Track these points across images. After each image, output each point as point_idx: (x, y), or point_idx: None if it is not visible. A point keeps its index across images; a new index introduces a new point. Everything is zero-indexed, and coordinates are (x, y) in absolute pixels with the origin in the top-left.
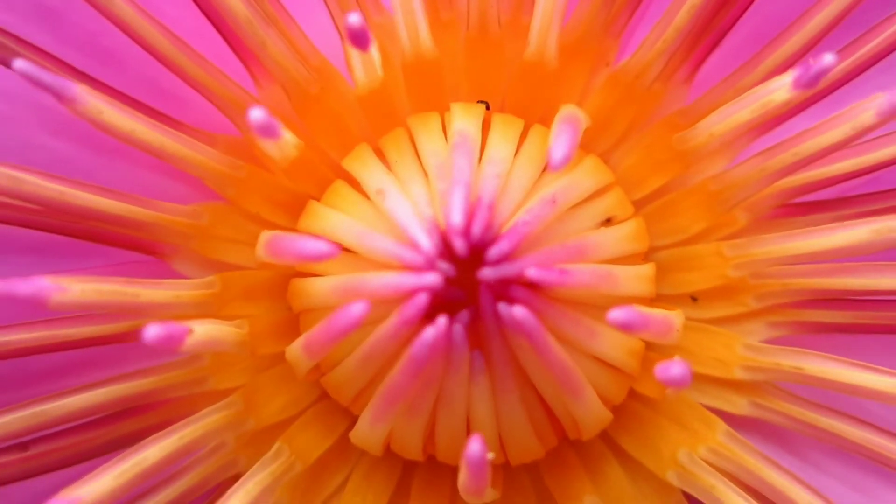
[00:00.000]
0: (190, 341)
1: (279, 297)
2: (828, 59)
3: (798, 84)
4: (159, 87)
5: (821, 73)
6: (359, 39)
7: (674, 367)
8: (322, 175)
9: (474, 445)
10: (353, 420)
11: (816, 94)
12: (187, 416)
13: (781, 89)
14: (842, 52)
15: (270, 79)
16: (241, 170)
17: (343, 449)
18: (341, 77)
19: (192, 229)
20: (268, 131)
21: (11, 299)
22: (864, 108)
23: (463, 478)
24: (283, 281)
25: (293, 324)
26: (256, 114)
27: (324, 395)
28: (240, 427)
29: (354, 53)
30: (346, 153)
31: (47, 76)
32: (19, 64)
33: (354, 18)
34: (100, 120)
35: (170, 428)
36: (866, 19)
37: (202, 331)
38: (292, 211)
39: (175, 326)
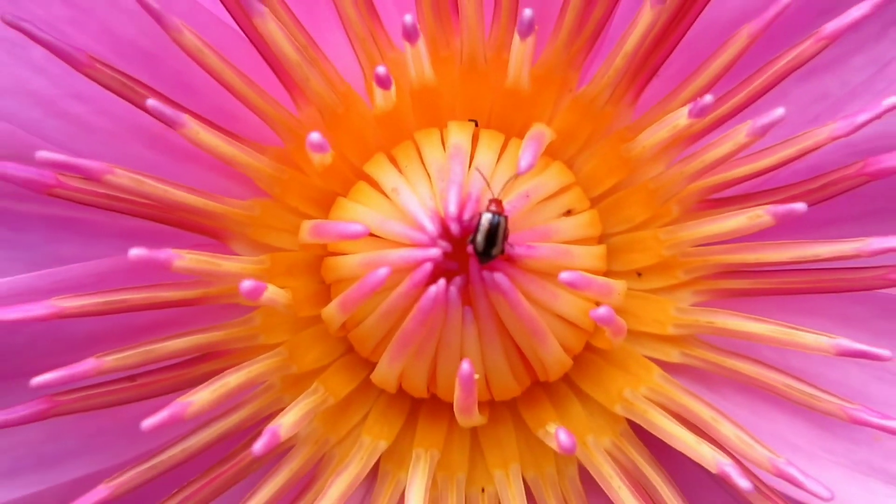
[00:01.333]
0: (266, 295)
1: (314, 272)
2: (708, 98)
3: (691, 114)
4: (223, 110)
5: (705, 107)
6: (383, 83)
7: (601, 309)
8: (347, 177)
9: (464, 366)
10: (372, 367)
11: (724, 115)
12: (245, 362)
13: (682, 117)
14: (739, 86)
15: (308, 103)
16: (285, 174)
17: (365, 390)
18: (362, 101)
19: (247, 219)
20: (321, 148)
21: (151, 263)
22: (740, 130)
23: (457, 396)
24: (316, 260)
25: (325, 294)
26: (315, 136)
27: (349, 349)
28: (284, 371)
29: (378, 90)
30: (366, 160)
31: (168, 110)
32: (151, 103)
33: (381, 70)
34: (196, 138)
35: (236, 367)
36: (759, 59)
37: (272, 289)
38: (323, 206)
39: (260, 283)
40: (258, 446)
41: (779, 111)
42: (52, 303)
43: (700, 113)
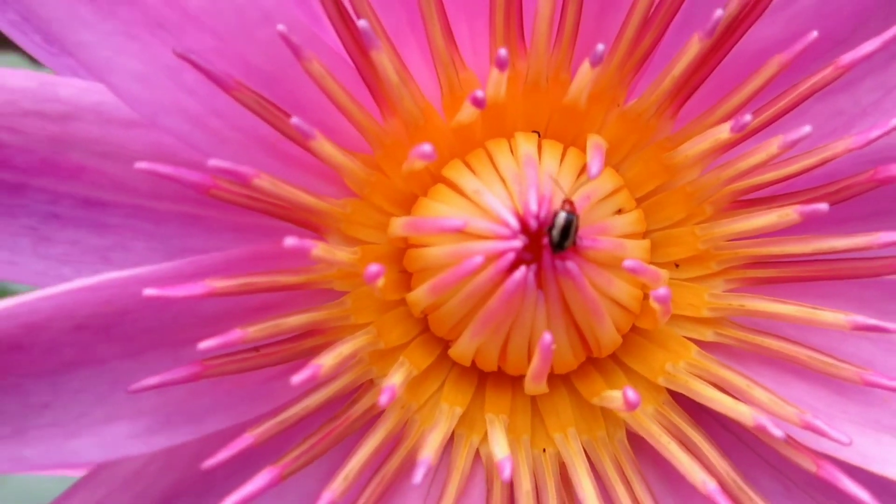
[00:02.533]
0: (381, 279)
1: (396, 262)
2: (747, 117)
3: (732, 130)
4: (325, 124)
5: (745, 124)
6: (479, 104)
7: (661, 290)
8: (425, 181)
9: (546, 338)
10: (446, 345)
11: (754, 129)
12: (341, 339)
13: (724, 132)
14: (770, 103)
15: (394, 115)
16: (373, 176)
17: (440, 363)
18: (438, 115)
19: (341, 216)
20: (430, 157)
21: (301, 251)
22: (772, 143)
23: (534, 363)
24: (398, 252)
25: (405, 281)
26: (427, 147)
27: (425, 329)
28: (373, 347)
29: (468, 108)
30: (443, 165)
31: (305, 125)
32: (295, 120)
33: (480, 94)
34: (320, 150)
35: (341, 341)
36: (789, 79)
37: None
38: (404, 205)
39: (381, 267)
40: (384, 399)
41: (806, 128)
42: (206, 283)
43: (740, 129)
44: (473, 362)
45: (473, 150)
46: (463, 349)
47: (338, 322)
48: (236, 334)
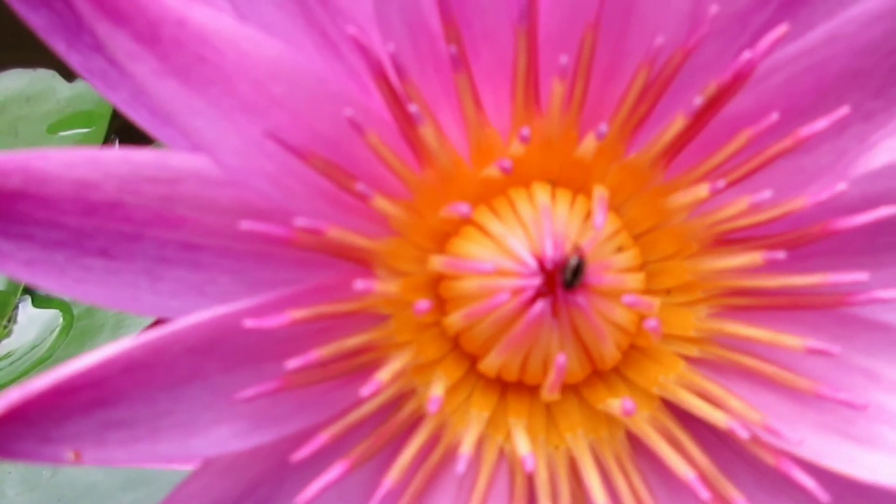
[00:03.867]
0: (423, 308)
1: (432, 290)
2: (720, 183)
3: (710, 191)
4: (374, 175)
5: (719, 189)
6: (507, 170)
7: (651, 321)
8: (456, 223)
9: (561, 359)
10: (473, 360)
11: (729, 183)
12: (388, 355)
13: (703, 191)
14: (747, 161)
15: (430, 167)
16: (412, 218)
17: (469, 375)
18: (466, 165)
19: (387, 252)
20: (464, 215)
21: (368, 290)
22: (742, 201)
23: (550, 377)
24: (433, 282)
25: (440, 305)
26: (464, 207)
27: (456, 346)
28: (414, 361)
29: (494, 169)
30: (471, 209)
31: (365, 188)
32: (360, 186)
33: (507, 164)
34: (376, 203)
35: (385, 358)
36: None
37: (424, 305)
38: (439, 242)
39: (426, 302)
40: (433, 407)
41: (766, 193)
42: (289, 314)
43: (716, 191)
44: (497, 375)
45: (496, 196)
46: (490, 364)
47: (384, 341)
48: (314, 355)
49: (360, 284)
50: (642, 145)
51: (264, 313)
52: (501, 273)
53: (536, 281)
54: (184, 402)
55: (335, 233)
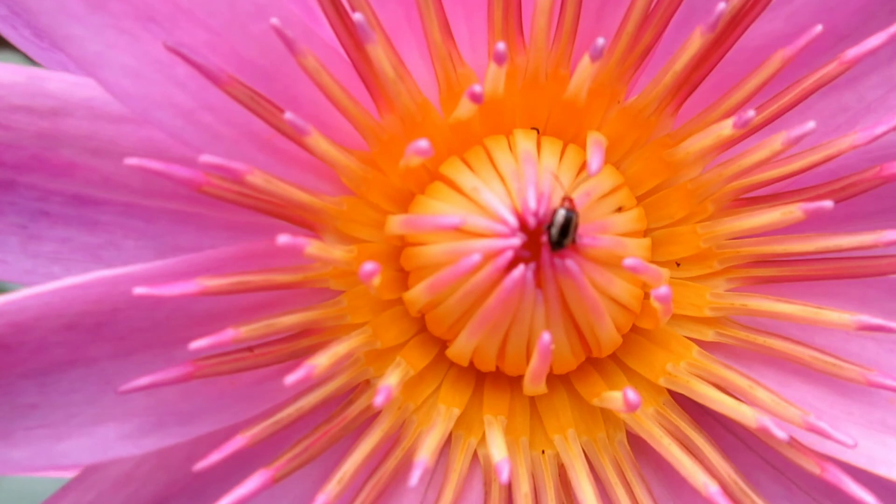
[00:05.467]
0: (376, 277)
1: (393, 261)
2: (750, 112)
3: (735, 125)
4: (320, 120)
5: (748, 119)
6: (477, 99)
7: (661, 289)
8: (422, 178)
9: (545, 337)
10: (443, 345)
11: (757, 126)
12: (337, 338)
13: (727, 128)
14: (773, 98)
15: (391, 111)
16: (369, 174)
17: (438, 363)
18: (435, 110)
19: (337, 213)
20: (426, 153)
21: (294, 250)
22: (776, 139)
23: (533, 364)
24: (394, 251)
25: (402, 280)
26: (423, 143)
27: (422, 329)
28: (369, 346)
29: (465, 103)
30: (440, 163)
31: (299, 121)
32: (288, 116)
33: (477, 88)
34: (315, 146)
35: (338, 340)
36: (792, 75)
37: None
38: (401, 203)
39: (376, 265)
40: (379, 399)
41: (810, 124)
42: (199, 282)
43: (744, 125)
44: (471, 363)
45: (472, 147)
46: (460, 349)
47: (334, 321)
48: (228, 334)
49: (283, 239)
50: (647, 85)
51: (168, 280)
52: (473, 233)
53: (515, 241)
54: (55, 394)
55: (259, 178)
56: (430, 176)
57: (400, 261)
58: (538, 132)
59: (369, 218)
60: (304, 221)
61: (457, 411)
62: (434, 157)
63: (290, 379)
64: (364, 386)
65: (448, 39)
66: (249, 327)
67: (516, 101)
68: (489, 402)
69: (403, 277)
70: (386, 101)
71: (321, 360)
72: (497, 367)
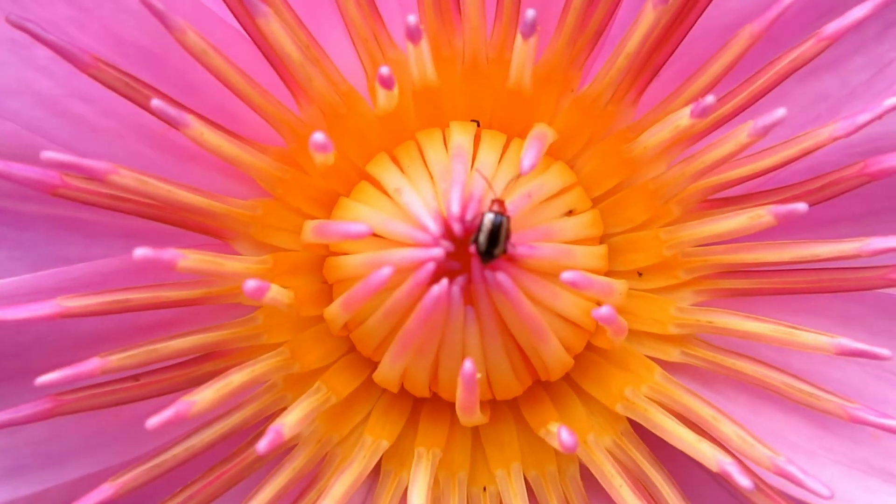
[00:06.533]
0: (269, 295)
1: (317, 272)
2: (709, 98)
3: (693, 114)
4: (226, 110)
5: (707, 108)
6: (386, 83)
7: (603, 309)
8: (349, 177)
9: (467, 365)
10: (374, 367)
11: (725, 115)
12: (248, 362)
13: (684, 118)
14: (739, 87)
15: (310, 102)
16: (287, 173)
17: (367, 389)
18: (364, 101)
19: (250, 219)
20: (324, 148)
21: (156, 263)
22: (742, 131)
23: (459, 395)
24: (319, 260)
25: (327, 293)
26: (318, 136)
27: (351, 349)
28: (287, 370)
29: (381, 90)
30: (368, 160)
31: (171, 110)
32: (156, 103)
33: (385, 70)
34: (200, 139)
35: (242, 365)
36: (761, 58)
37: (275, 289)
38: (326, 206)
39: (263, 283)
40: (262, 445)
41: (780, 111)
42: (58, 302)
43: (702, 113)
44: (402, 388)
45: (404, 142)
46: (386, 374)
47: (246, 342)
48: (92, 364)
49: (139, 252)
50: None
51: (32, 298)
52: (395, 241)
53: (437, 251)
54: None
55: (128, 178)
56: (359, 175)
57: (323, 272)
58: (478, 125)
59: (290, 223)
60: (207, 228)
61: (385, 444)
62: (363, 153)
63: (153, 422)
64: (279, 415)
65: (371, 18)
66: (122, 355)
67: (456, 89)
68: (425, 432)
69: (328, 291)
70: (301, 90)
71: (204, 395)
72: (434, 393)
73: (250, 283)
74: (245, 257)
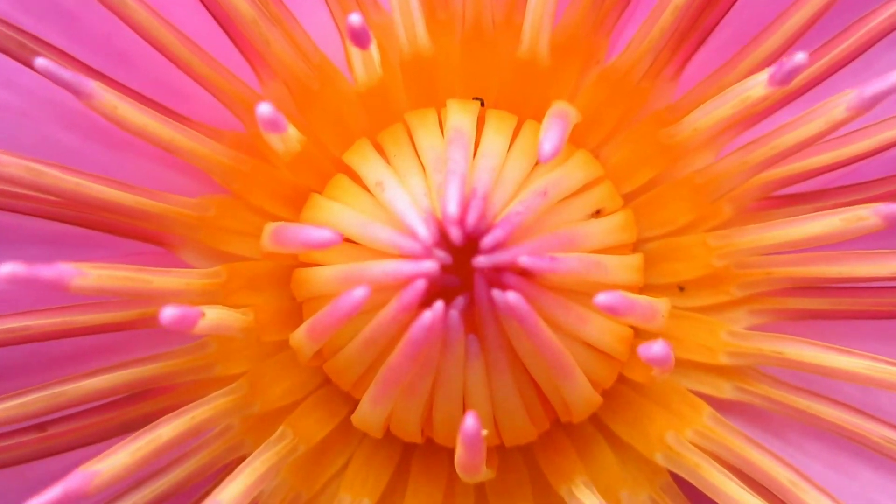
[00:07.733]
0: (202, 324)
1: (283, 286)
2: (800, 57)
3: (773, 81)
4: (169, 85)
5: (794, 70)
6: (359, 38)
7: (655, 347)
8: (323, 169)
9: (469, 421)
10: (355, 404)
11: (795, 90)
12: (196, 400)
13: (758, 86)
14: (817, 51)
15: (274, 76)
16: (246, 164)
17: (345, 432)
18: (341, 74)
19: (198, 221)
20: (274, 125)
21: (35, 283)
22: (837, 104)
23: (459, 454)
24: (286, 271)
25: (297, 312)
26: (264, 108)
27: (326, 381)
28: (245, 410)
29: (355, 52)
30: (346, 148)
31: (65, 73)
32: (40, 62)
33: (355, 18)
34: (114, 115)
35: (180, 409)
36: (843, 19)
37: (213, 315)
38: (295, 204)
39: (189, 309)
40: None
41: (893, 76)
42: None
43: (786, 78)
44: (388, 432)
45: (390, 125)
46: (366, 417)
47: (194, 375)
48: None
49: (6, 269)
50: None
51: None
52: (374, 250)
53: (430, 264)
54: None
55: (23, 171)
56: (335, 166)
57: (291, 286)
58: (482, 104)
59: (250, 226)
60: (144, 233)
61: (367, 503)
62: (339, 138)
63: (38, 501)
64: (237, 464)
65: None
66: (15, 403)
67: (454, 60)
68: (416, 487)
69: (297, 309)
70: (259, 58)
71: (112, 462)
72: (428, 437)
73: (168, 312)
74: (185, 270)
